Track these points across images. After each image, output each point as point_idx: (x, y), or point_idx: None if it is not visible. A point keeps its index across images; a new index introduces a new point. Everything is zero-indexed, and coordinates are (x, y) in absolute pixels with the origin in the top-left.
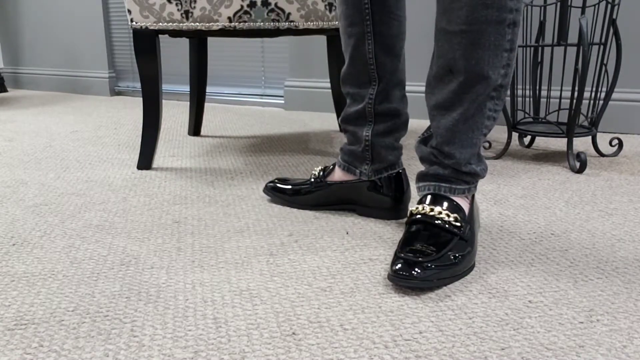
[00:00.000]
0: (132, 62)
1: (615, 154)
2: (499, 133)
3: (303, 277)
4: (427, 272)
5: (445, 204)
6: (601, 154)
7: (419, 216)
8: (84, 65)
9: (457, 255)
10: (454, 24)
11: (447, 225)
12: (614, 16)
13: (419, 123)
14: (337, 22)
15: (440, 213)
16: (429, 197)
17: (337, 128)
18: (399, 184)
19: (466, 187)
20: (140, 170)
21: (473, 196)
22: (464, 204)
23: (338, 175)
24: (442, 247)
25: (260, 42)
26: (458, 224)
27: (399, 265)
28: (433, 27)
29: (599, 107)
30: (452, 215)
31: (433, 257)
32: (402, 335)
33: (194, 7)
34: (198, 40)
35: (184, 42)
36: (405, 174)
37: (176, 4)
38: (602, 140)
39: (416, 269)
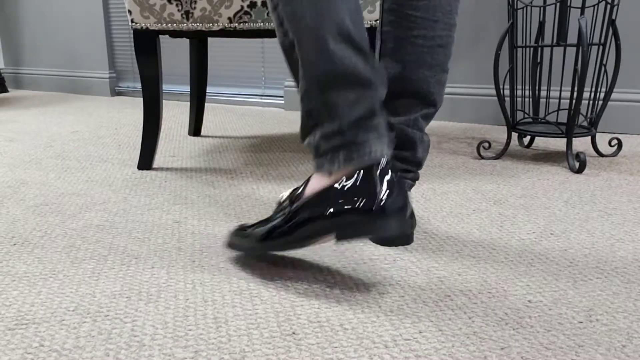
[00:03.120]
0: (132, 62)
1: (614, 154)
2: (498, 133)
3: (303, 277)
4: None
5: (302, 186)
6: (600, 154)
7: None
8: (84, 66)
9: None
10: None
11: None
12: (613, 16)
13: None
14: None
15: (283, 197)
16: None
17: None
18: None
19: (317, 160)
20: (140, 171)
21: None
22: (315, 182)
23: None
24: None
25: (260, 42)
26: (283, 206)
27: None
28: None
29: (598, 107)
30: (287, 197)
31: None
32: (401, 335)
33: (195, 8)
34: (198, 41)
35: (185, 43)
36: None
37: (176, 5)
38: (602, 140)
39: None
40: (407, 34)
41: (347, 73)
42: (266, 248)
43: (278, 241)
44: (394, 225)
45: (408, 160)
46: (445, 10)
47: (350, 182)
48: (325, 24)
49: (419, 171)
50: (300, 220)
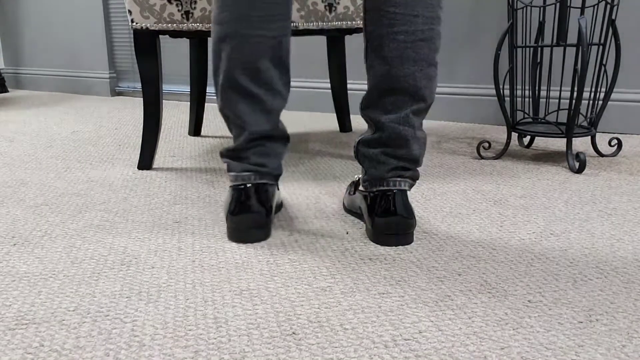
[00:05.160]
0: (132, 62)
1: (614, 154)
2: (498, 133)
3: (303, 277)
4: None
5: None
6: (600, 154)
7: None
8: (84, 66)
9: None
10: None
11: None
12: (613, 17)
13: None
14: (337, 23)
15: None
16: None
17: (337, 128)
18: None
19: None
20: (140, 171)
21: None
22: None
23: None
24: None
25: None
26: None
27: None
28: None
29: (598, 107)
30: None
31: None
32: (401, 335)
33: (195, 8)
34: (198, 41)
35: (185, 42)
36: None
37: (176, 5)
38: (602, 140)
39: None
40: (388, 30)
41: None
42: None
43: None
44: None
45: (404, 158)
46: (426, 3)
47: None
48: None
49: (419, 169)
50: None
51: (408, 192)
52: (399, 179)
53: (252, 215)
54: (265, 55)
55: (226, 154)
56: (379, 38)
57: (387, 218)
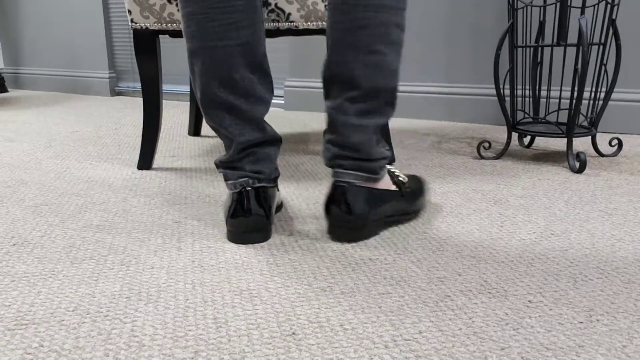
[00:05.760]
0: (132, 62)
1: (614, 154)
2: (498, 133)
3: (303, 277)
4: None
5: None
6: (601, 154)
7: None
8: (84, 66)
9: None
10: None
11: None
12: (614, 16)
13: (420, 123)
14: None
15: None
16: None
17: None
18: None
19: None
20: (140, 171)
21: None
22: None
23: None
24: None
25: None
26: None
27: None
28: (430, 25)
29: (598, 107)
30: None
31: None
32: (402, 335)
33: None
34: None
35: (184, 42)
36: None
37: (176, 4)
38: (602, 140)
39: None
40: (333, 21)
41: None
42: None
43: None
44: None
45: (341, 145)
46: None
47: None
48: None
49: (371, 164)
50: None
51: (360, 187)
52: (340, 169)
53: (252, 218)
54: (237, 64)
55: (221, 164)
56: (328, 29)
57: (329, 212)
